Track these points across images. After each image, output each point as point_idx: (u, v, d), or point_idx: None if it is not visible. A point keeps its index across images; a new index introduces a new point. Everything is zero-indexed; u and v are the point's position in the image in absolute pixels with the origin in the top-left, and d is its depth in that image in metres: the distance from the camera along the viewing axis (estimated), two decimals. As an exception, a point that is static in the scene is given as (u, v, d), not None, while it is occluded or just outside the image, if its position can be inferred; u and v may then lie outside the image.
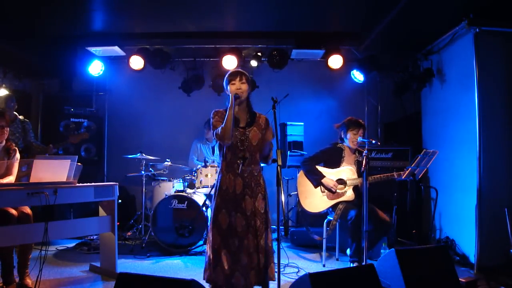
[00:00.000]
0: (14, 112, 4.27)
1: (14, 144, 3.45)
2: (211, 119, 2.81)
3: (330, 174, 3.77)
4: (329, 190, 3.73)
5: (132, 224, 5.27)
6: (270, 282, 2.72)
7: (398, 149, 5.03)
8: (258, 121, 2.82)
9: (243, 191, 2.72)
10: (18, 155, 3.39)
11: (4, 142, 3.32)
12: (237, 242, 2.66)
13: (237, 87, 2.72)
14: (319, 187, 3.78)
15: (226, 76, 2.79)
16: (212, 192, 3.20)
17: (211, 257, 2.71)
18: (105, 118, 6.22)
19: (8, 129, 3.34)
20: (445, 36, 4.44)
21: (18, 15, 4.42)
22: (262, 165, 2.96)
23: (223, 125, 2.64)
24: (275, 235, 5.37)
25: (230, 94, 2.72)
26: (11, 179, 3.20)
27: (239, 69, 2.84)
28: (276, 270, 2.54)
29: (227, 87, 2.78)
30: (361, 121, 3.81)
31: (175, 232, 4.38)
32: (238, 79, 2.74)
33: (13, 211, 3.07)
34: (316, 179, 3.74)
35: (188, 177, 4.83)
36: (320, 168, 3.81)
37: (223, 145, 2.76)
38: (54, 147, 4.21)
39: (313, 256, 4.40)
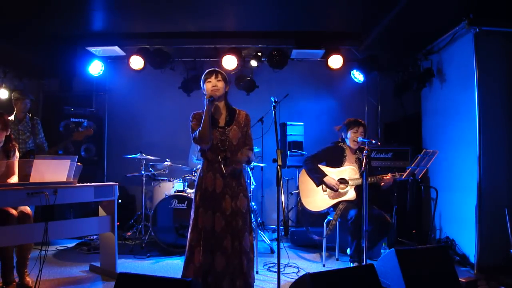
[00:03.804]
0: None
1: (14, 145, 3.42)
2: (189, 122, 2.75)
3: (332, 173, 3.78)
4: (331, 188, 3.73)
5: (132, 224, 5.27)
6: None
7: (398, 149, 5.04)
8: (238, 118, 2.77)
9: (223, 191, 2.67)
10: (17, 154, 3.38)
11: (2, 142, 3.30)
12: (215, 243, 2.60)
13: (213, 84, 2.68)
14: (320, 186, 3.79)
15: (203, 76, 2.76)
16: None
17: (187, 254, 2.68)
18: (105, 118, 6.22)
19: (5, 133, 3.24)
20: (445, 36, 4.45)
21: (18, 15, 4.42)
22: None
23: (200, 128, 2.59)
24: (275, 235, 5.40)
25: (206, 93, 2.68)
26: (15, 179, 3.20)
27: (215, 68, 2.80)
28: (276, 270, 2.54)
29: (203, 86, 2.74)
30: (360, 120, 3.82)
31: (175, 232, 4.38)
32: (213, 77, 2.69)
33: (13, 211, 3.07)
34: (318, 178, 3.74)
35: (188, 177, 4.83)
36: (322, 167, 3.82)
37: (202, 148, 2.72)
38: (59, 148, 4.20)
39: (313, 256, 4.40)
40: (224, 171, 2.66)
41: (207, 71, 2.76)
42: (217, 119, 2.74)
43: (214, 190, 2.67)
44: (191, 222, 2.73)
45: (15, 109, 4.29)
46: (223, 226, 2.62)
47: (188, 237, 2.71)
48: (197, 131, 2.61)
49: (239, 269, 2.61)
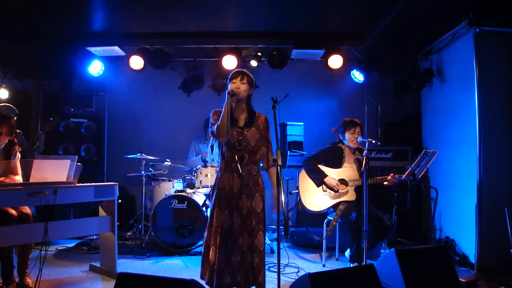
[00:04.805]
0: None
1: (17, 148, 3.40)
2: (210, 119, 2.80)
3: (332, 174, 3.78)
4: (331, 189, 3.74)
5: (132, 224, 5.27)
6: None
7: (398, 149, 5.04)
8: (257, 121, 2.81)
9: (240, 190, 2.72)
10: (19, 155, 3.38)
11: (3, 144, 3.30)
12: (232, 241, 2.66)
13: (236, 86, 2.71)
14: (320, 187, 3.79)
15: (230, 74, 2.78)
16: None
17: (203, 252, 2.76)
18: (105, 118, 6.21)
19: (8, 137, 3.22)
20: (445, 36, 4.44)
21: (18, 15, 4.42)
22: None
23: (218, 122, 2.64)
24: (275, 235, 5.40)
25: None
26: (19, 178, 3.20)
27: (244, 70, 2.83)
28: (276, 270, 2.54)
29: (228, 86, 2.78)
30: (356, 120, 3.82)
31: (175, 232, 4.38)
32: (239, 78, 2.73)
33: (13, 211, 3.07)
34: (319, 178, 3.75)
35: (188, 177, 4.83)
36: (322, 168, 3.82)
37: (220, 142, 2.77)
38: (42, 133, 4.15)
39: (313, 256, 4.40)
40: (241, 171, 2.70)
41: (234, 71, 2.79)
42: (236, 118, 2.78)
43: (232, 190, 2.72)
44: (208, 220, 2.79)
45: None
46: (240, 225, 2.68)
47: (205, 235, 2.79)
48: (216, 125, 2.65)
49: (251, 265, 2.66)
